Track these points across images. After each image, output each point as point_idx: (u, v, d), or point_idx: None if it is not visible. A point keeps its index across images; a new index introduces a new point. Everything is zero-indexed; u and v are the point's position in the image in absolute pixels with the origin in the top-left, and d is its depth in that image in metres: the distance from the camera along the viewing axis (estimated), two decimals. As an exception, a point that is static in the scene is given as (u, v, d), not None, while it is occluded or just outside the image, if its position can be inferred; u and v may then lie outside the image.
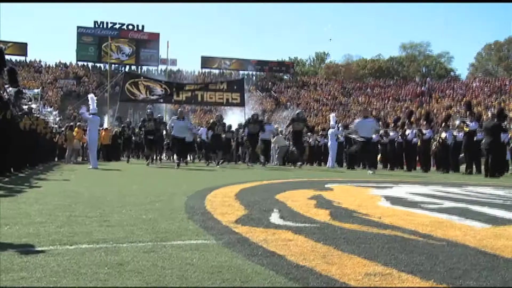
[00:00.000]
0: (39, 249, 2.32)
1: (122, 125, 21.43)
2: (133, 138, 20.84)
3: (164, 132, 16.85)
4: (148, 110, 16.27)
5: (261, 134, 16.23)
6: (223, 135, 17.52)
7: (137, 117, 36.05)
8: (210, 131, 17.34)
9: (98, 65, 56.77)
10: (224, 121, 18.54)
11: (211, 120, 17.97)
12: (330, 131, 18.18)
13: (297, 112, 17.45)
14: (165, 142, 18.75)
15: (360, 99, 50.97)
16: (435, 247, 2.51)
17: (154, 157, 17.88)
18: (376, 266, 2.08)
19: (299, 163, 15.65)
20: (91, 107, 13.20)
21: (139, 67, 56.93)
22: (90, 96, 13.99)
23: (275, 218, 3.45)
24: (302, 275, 1.92)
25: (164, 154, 21.22)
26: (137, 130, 22.11)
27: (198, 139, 21.32)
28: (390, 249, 2.42)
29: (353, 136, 13.83)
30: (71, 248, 2.35)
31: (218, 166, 15.61)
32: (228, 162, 18.41)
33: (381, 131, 18.56)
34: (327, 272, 1.96)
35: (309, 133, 21.12)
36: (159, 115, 19.09)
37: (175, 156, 17.82)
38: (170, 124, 15.06)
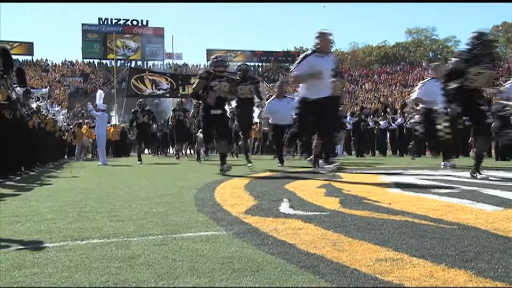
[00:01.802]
0: (51, 245, 2.34)
1: (133, 109, 14.52)
2: (153, 126, 15.18)
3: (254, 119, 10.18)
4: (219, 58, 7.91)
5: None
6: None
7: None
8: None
9: (104, 61, 57.02)
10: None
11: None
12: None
13: None
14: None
15: (367, 86, 50.68)
16: (446, 231, 2.50)
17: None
18: (387, 252, 2.07)
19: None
20: (98, 103, 13.24)
21: (145, 62, 57.06)
22: (99, 92, 13.99)
23: (284, 207, 3.45)
24: (312, 262, 1.92)
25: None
26: (190, 117, 14.52)
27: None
28: (400, 234, 2.41)
29: None
30: (82, 244, 2.36)
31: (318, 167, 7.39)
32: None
33: (389, 117, 18.50)
34: (337, 259, 1.95)
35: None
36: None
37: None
38: (268, 109, 8.76)
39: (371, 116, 20.02)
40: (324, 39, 6.35)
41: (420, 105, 8.13)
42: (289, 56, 62.61)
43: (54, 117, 14.91)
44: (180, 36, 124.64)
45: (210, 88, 7.19)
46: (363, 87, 51.50)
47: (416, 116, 10.48)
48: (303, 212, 3.22)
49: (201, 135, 8.10)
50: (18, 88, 8.70)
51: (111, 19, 57.18)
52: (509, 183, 5.00)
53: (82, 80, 52.39)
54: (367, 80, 53.26)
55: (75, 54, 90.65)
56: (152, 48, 56.77)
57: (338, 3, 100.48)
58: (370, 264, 1.87)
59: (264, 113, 8.86)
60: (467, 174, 6.06)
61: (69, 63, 56.16)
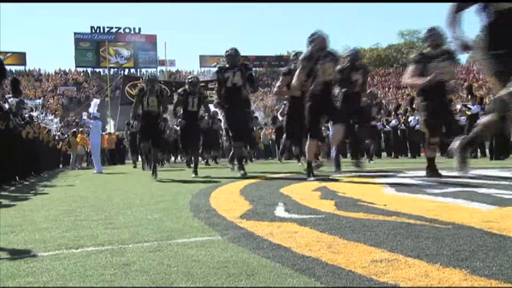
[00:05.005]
0: (45, 254, 2.33)
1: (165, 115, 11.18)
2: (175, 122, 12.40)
3: None
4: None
5: None
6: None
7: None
8: None
9: (97, 70, 56.88)
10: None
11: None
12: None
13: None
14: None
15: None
16: (441, 230, 2.50)
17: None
18: (382, 253, 2.07)
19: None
20: (92, 111, 13.23)
21: (138, 69, 56.98)
22: (94, 101, 13.97)
23: (280, 211, 3.45)
24: (308, 265, 1.92)
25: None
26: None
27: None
28: (395, 235, 2.41)
29: None
30: (76, 252, 2.35)
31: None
32: None
33: (383, 119, 18.56)
34: (333, 262, 1.95)
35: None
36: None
37: None
38: None
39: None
40: None
41: None
42: (282, 61, 62.66)
43: (47, 125, 14.86)
44: (172, 43, 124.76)
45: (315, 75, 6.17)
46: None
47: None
48: (298, 215, 3.22)
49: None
50: (11, 99, 8.68)
51: (103, 27, 57.09)
52: (503, 182, 5.03)
53: (75, 89, 52.22)
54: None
55: (68, 63, 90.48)
56: (145, 55, 56.77)
57: (334, 3, 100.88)
58: (366, 266, 1.87)
59: None
60: (461, 173, 6.07)
61: (62, 72, 55.99)
